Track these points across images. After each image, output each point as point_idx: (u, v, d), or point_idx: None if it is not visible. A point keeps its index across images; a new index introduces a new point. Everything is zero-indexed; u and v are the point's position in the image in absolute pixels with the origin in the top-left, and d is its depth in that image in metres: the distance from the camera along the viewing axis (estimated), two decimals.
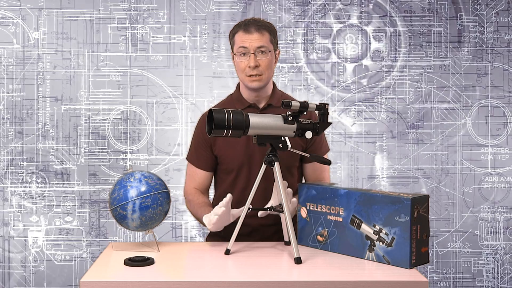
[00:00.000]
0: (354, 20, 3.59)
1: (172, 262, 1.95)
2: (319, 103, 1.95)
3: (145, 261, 1.87)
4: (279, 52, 2.27)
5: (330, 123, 2.00)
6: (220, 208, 2.00)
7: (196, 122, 3.50)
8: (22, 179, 3.53)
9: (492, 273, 3.58)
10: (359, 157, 3.56)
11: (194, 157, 2.33)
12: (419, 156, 3.59)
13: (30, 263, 3.53)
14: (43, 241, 3.54)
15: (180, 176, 3.48)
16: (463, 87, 3.59)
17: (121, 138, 3.56)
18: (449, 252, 3.56)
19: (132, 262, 1.87)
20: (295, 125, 1.94)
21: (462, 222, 3.58)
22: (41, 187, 3.53)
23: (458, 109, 3.59)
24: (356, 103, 3.59)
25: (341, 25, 3.59)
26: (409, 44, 3.59)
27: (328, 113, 1.98)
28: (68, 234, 3.55)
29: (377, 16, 3.59)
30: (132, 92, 3.56)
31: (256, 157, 2.22)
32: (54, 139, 3.53)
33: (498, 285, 3.58)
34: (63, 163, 3.54)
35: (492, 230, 3.59)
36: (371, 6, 3.59)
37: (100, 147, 3.55)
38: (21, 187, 3.53)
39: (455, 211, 3.58)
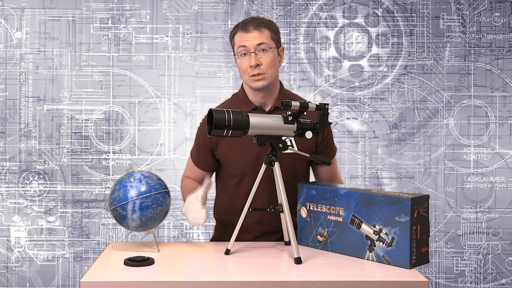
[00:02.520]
0: (334, 20, 3.59)
1: (172, 262, 1.95)
2: (319, 103, 1.94)
3: (145, 261, 1.87)
4: (282, 49, 2.20)
5: (330, 123, 2.00)
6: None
7: (178, 121, 3.57)
8: (5, 179, 3.53)
9: (474, 273, 3.58)
10: (341, 157, 3.56)
11: (194, 155, 2.32)
12: (402, 156, 3.59)
13: (13, 263, 3.53)
14: (26, 241, 3.54)
15: (162, 176, 3.46)
16: (446, 87, 3.59)
17: (103, 138, 3.56)
18: (431, 252, 3.55)
19: (132, 262, 1.87)
20: (295, 125, 1.93)
21: (444, 222, 3.58)
22: (23, 187, 3.53)
23: (440, 109, 3.59)
24: (338, 103, 3.59)
25: (323, 25, 3.59)
26: (392, 44, 3.59)
27: (328, 113, 1.97)
28: (50, 234, 3.54)
29: (359, 16, 3.59)
30: (115, 92, 3.56)
31: (260, 162, 2.13)
32: (36, 139, 3.53)
33: (480, 285, 3.58)
34: (45, 163, 3.54)
35: (475, 230, 3.59)
36: (353, 6, 3.59)
37: (83, 147, 3.55)
38: (3, 187, 3.53)
39: (438, 211, 3.58)
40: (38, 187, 3.54)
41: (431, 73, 3.58)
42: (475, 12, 3.58)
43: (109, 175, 3.55)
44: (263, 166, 1.95)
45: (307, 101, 1.92)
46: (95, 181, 3.55)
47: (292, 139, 1.98)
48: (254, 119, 1.89)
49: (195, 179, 2.34)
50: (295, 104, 1.88)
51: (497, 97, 3.58)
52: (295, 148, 1.96)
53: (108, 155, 3.56)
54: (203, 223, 2.04)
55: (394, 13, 3.58)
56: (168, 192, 2.05)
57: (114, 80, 3.55)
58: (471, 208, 3.59)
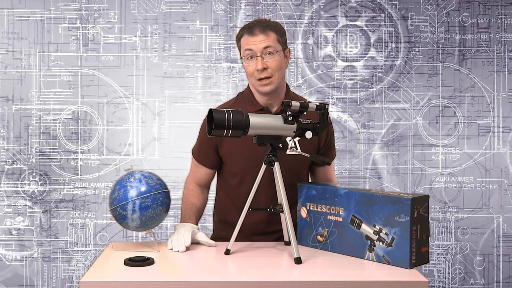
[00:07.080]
0: (302, 20, 3.59)
1: (172, 262, 1.95)
2: (319, 103, 1.95)
3: (145, 261, 1.87)
4: (289, 51, 2.20)
5: (330, 123, 1.99)
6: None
7: (147, 121, 3.57)
8: None
9: (443, 273, 3.58)
10: None
11: (197, 152, 2.30)
12: (370, 156, 3.59)
13: None
14: None
15: None
16: (414, 87, 3.59)
17: (72, 138, 3.56)
18: None
19: (132, 262, 1.87)
20: (295, 125, 1.93)
21: None
22: None
23: (409, 109, 3.59)
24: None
25: (292, 25, 3.59)
26: (360, 44, 3.59)
27: (328, 113, 1.97)
28: (19, 234, 3.54)
29: (327, 16, 3.59)
30: (83, 92, 3.55)
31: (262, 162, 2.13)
32: (5, 139, 3.53)
33: (449, 285, 3.58)
34: (14, 163, 3.54)
35: (443, 230, 3.59)
36: (322, 6, 3.59)
37: (51, 147, 3.55)
38: None
39: None
40: (7, 187, 3.53)
41: (399, 73, 3.58)
42: (444, 12, 3.58)
43: (78, 175, 3.55)
44: (263, 166, 1.95)
45: (307, 101, 1.93)
46: (64, 181, 3.54)
47: (296, 141, 1.97)
48: (254, 119, 1.89)
49: (198, 182, 2.32)
50: (295, 104, 1.89)
51: (465, 97, 3.58)
52: (299, 149, 1.95)
53: (76, 155, 3.56)
54: (180, 251, 2.04)
55: (362, 13, 3.58)
56: (168, 192, 2.04)
57: (82, 80, 3.55)
58: (439, 208, 3.59)
